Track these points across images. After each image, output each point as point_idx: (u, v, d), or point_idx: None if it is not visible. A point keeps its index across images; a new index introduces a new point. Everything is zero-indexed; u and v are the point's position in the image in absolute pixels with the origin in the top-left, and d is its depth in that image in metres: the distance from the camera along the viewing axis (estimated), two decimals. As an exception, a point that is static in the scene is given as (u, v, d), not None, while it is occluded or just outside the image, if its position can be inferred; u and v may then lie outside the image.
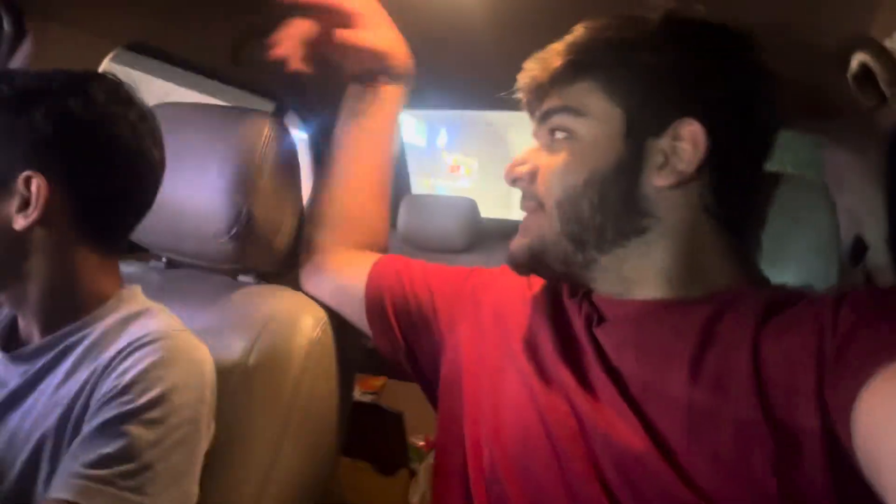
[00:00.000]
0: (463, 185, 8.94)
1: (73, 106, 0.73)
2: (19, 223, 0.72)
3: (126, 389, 0.68)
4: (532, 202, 0.74)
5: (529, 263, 0.75)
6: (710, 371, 0.61)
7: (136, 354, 0.71)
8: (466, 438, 0.74)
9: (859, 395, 0.50)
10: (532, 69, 0.76)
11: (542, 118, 0.74)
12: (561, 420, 0.66)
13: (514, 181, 0.76)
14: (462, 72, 1.63)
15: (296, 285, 1.03)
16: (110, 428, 0.67)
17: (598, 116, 0.70)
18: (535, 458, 0.66)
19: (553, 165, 0.72)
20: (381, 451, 1.40)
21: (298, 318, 0.93)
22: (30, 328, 0.79)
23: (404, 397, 0.97)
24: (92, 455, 0.65)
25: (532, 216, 0.75)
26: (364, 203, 1.02)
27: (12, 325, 0.83)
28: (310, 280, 1.01)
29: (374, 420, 1.42)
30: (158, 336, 0.73)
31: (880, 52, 1.02)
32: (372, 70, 1.00)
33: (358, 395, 1.64)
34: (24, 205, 0.72)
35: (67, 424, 0.71)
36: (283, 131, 0.97)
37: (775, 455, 0.55)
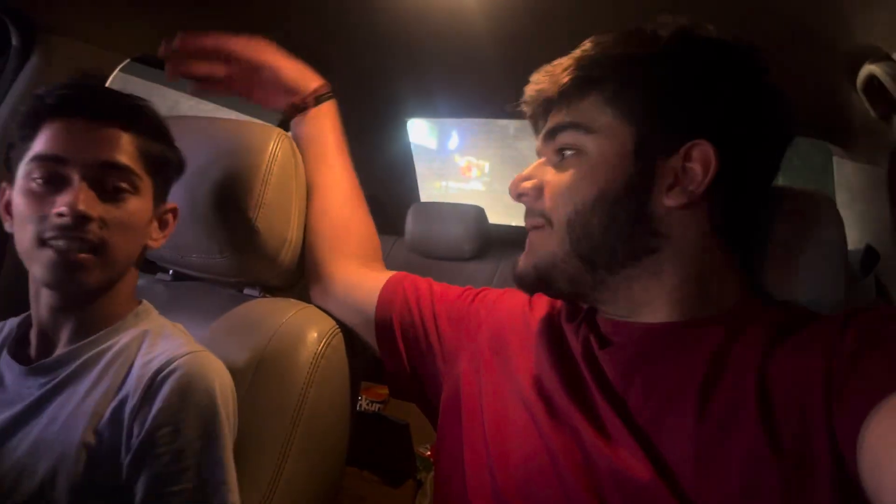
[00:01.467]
0: (475, 186, 8.93)
1: None
2: None
3: (167, 422, 0.72)
4: (538, 219, 0.73)
5: (536, 283, 0.74)
6: (718, 403, 0.60)
7: (168, 385, 0.74)
8: (466, 466, 0.73)
9: (865, 422, 0.50)
10: (539, 82, 0.75)
11: (550, 135, 0.73)
12: (567, 451, 0.65)
13: (518, 196, 0.75)
14: (471, 81, 1.64)
15: (301, 298, 1.03)
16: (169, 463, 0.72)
17: (607, 133, 0.69)
18: (541, 488, 0.66)
19: (561, 182, 0.71)
20: (388, 461, 1.40)
21: (304, 333, 0.93)
22: (50, 340, 0.80)
23: (410, 407, 0.97)
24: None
25: (538, 234, 0.74)
26: (343, 212, 1.04)
27: (22, 337, 0.84)
28: (319, 298, 1.02)
29: (380, 430, 1.42)
30: (184, 363, 0.76)
31: (889, 62, 1.01)
32: (289, 101, 1.05)
33: (364, 403, 1.64)
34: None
35: (102, 438, 0.73)
36: (288, 144, 0.97)
37: (782, 485, 0.54)
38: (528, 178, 0.75)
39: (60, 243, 0.73)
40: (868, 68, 1.06)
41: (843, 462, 0.52)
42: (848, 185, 1.55)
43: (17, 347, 0.83)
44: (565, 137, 0.71)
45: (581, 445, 0.65)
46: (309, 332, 0.94)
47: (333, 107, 1.06)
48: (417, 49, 1.45)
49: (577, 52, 0.73)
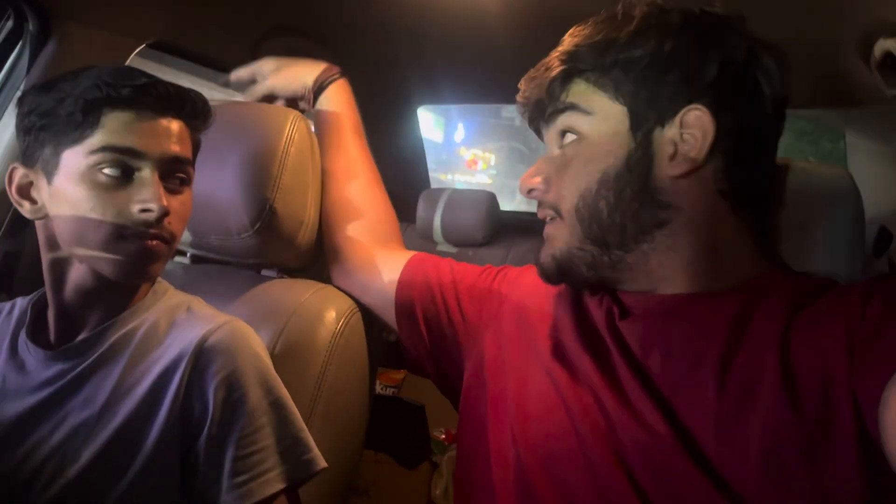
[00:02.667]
0: (481, 179, 8.92)
1: None
2: None
3: (231, 388, 0.75)
4: (550, 211, 0.75)
5: (558, 273, 0.75)
6: (739, 369, 0.61)
7: (217, 354, 0.76)
8: (490, 441, 0.74)
9: (888, 386, 0.50)
10: (526, 89, 0.78)
11: (550, 119, 0.76)
12: (589, 418, 0.66)
13: (528, 192, 0.77)
14: (481, 67, 1.63)
15: (319, 279, 1.04)
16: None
17: (602, 114, 0.71)
18: (563, 454, 0.67)
19: (564, 172, 0.73)
20: (403, 444, 1.41)
21: (322, 312, 0.94)
22: (74, 323, 0.79)
23: (425, 391, 0.98)
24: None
25: (552, 226, 0.76)
26: (362, 193, 1.05)
27: (37, 320, 0.82)
28: (339, 279, 1.03)
29: (396, 413, 1.43)
30: (226, 332, 0.78)
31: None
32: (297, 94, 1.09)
33: (379, 388, 1.66)
34: None
35: (149, 418, 0.74)
36: (304, 126, 0.98)
37: (806, 450, 0.55)
38: (535, 174, 0.77)
39: (145, 238, 0.73)
40: (882, 44, 1.06)
41: (865, 426, 0.52)
42: (861, 166, 1.54)
43: (35, 330, 0.81)
44: (564, 119, 0.73)
45: (604, 412, 0.66)
46: (327, 311, 0.95)
47: (342, 89, 1.07)
48: (427, 36, 1.45)
49: (555, 52, 0.75)
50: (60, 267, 0.78)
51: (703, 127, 0.67)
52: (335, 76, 1.06)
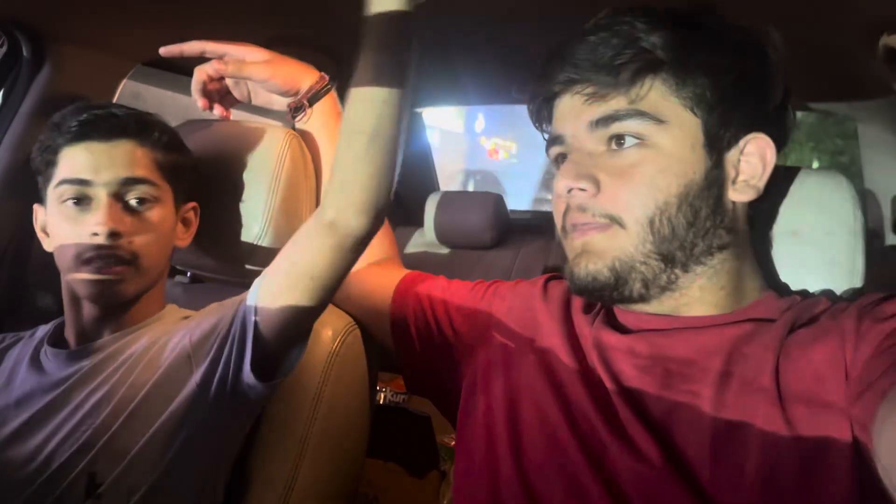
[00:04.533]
0: (502, 168, 8.82)
1: None
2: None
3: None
4: (601, 219, 0.67)
5: (605, 288, 0.68)
6: (734, 393, 0.60)
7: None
8: (484, 461, 0.73)
9: (881, 407, 0.50)
10: (586, 56, 0.67)
11: (602, 122, 0.67)
12: (580, 442, 0.65)
13: (570, 192, 0.68)
14: (480, 67, 1.62)
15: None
16: None
17: (677, 123, 0.66)
18: (554, 480, 0.66)
19: (629, 179, 0.66)
20: (411, 453, 1.41)
21: (318, 332, 0.94)
22: (92, 335, 0.86)
23: (433, 399, 0.99)
24: None
25: (603, 236, 0.67)
26: None
27: (59, 335, 0.90)
28: (337, 300, 1.02)
29: (403, 423, 1.43)
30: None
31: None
32: (285, 104, 1.02)
33: (389, 395, 1.65)
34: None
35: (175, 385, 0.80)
36: (297, 144, 0.98)
37: (800, 470, 0.55)
38: (582, 173, 0.67)
39: (98, 262, 0.80)
40: (886, 39, 1.03)
41: (860, 446, 0.53)
42: (873, 157, 1.51)
43: (55, 343, 0.88)
44: (629, 126, 0.66)
45: (596, 437, 0.64)
46: (323, 330, 0.94)
47: (333, 101, 1.05)
48: (427, 37, 1.43)
49: (622, 27, 0.66)
50: (69, 287, 0.85)
51: (764, 156, 0.66)
52: (328, 87, 1.05)
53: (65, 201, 0.82)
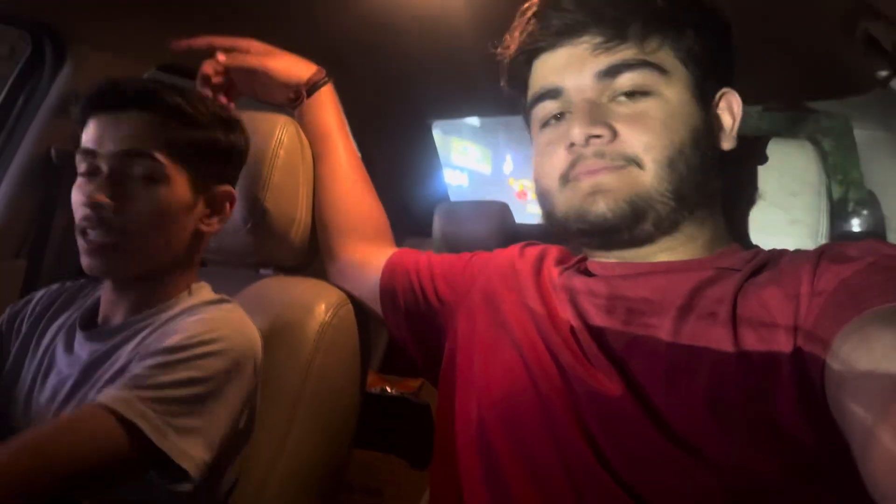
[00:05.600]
0: (533, 210, 8.82)
1: None
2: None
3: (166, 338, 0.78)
4: (617, 161, 0.68)
5: (622, 221, 0.68)
6: (690, 325, 0.63)
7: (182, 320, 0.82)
8: (457, 407, 0.77)
9: (833, 342, 0.52)
10: (592, 6, 0.70)
11: (610, 72, 0.69)
12: (548, 377, 0.69)
13: (588, 138, 0.68)
14: (492, 78, 1.66)
15: (315, 277, 1.08)
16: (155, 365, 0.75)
17: (677, 75, 0.70)
18: (523, 414, 0.69)
19: (642, 123, 0.68)
20: (411, 444, 1.42)
21: (313, 304, 0.98)
22: (111, 313, 0.87)
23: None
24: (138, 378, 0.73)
25: (620, 175, 0.68)
26: (348, 194, 1.08)
27: (93, 308, 0.91)
28: (334, 277, 1.08)
29: (403, 413, 1.45)
30: (205, 310, 0.84)
31: (879, 17, 1.01)
32: (286, 94, 1.09)
33: (395, 394, 1.67)
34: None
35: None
36: (294, 129, 1.04)
37: (747, 389, 0.57)
38: (599, 120, 0.68)
39: (89, 233, 0.80)
40: (862, 26, 1.06)
41: (809, 380, 0.54)
42: (865, 152, 1.52)
43: (88, 318, 0.90)
44: (637, 77, 0.69)
45: (561, 371, 0.68)
46: (318, 303, 0.99)
47: (330, 91, 1.11)
48: (437, 50, 1.49)
49: None
50: None
51: (732, 108, 0.74)
52: (325, 79, 1.11)
53: (81, 171, 0.82)
